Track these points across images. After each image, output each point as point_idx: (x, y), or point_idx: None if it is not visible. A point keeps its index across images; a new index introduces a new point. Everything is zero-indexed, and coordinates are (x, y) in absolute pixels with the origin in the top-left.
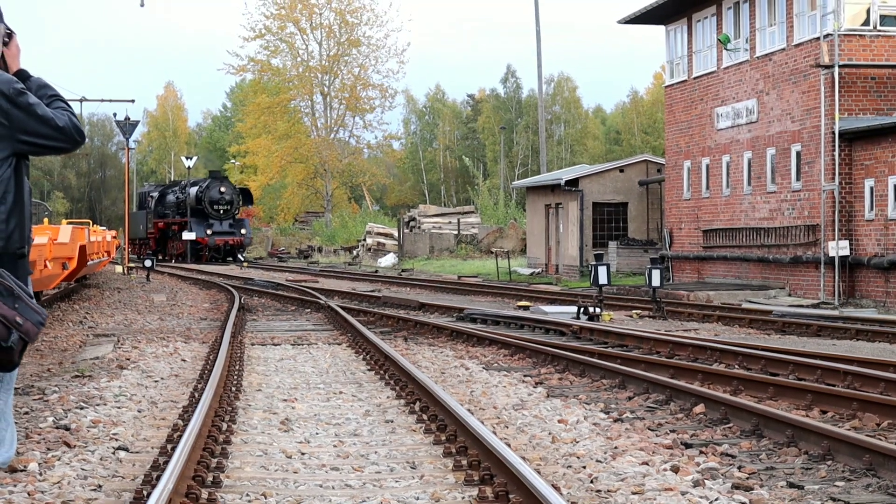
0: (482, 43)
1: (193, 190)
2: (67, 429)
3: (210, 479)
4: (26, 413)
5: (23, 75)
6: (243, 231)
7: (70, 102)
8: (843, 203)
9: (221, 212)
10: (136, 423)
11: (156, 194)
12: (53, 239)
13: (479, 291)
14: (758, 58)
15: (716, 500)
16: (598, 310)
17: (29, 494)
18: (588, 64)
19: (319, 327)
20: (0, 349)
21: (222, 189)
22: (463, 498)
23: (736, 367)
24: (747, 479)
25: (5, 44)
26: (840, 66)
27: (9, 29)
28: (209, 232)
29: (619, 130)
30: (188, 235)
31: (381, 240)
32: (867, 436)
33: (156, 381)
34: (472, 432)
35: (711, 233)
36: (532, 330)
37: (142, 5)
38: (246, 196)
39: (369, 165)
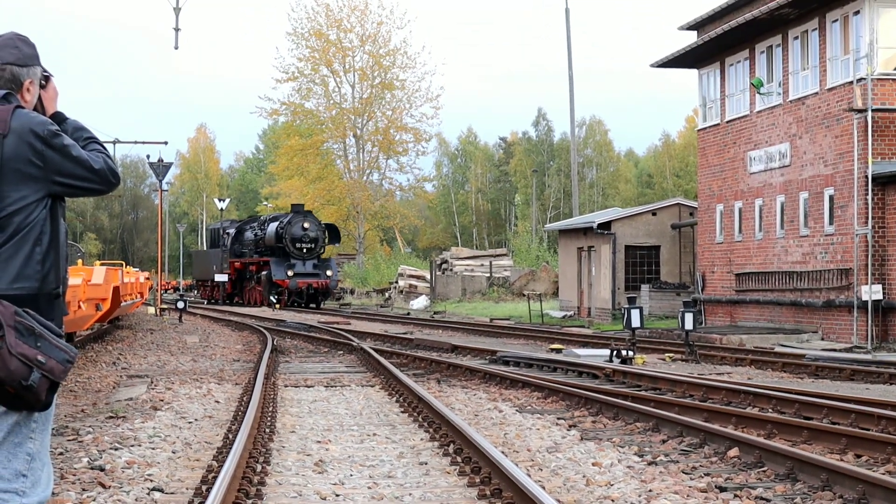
0: (514, 86)
1: (273, 226)
2: (102, 469)
3: None
4: (61, 454)
5: (59, 118)
6: (329, 273)
7: (104, 144)
8: (876, 247)
9: (304, 251)
10: (171, 463)
11: (232, 231)
12: (87, 280)
13: (512, 334)
14: (791, 102)
15: None
16: (630, 353)
17: None
18: (620, 107)
19: (352, 369)
20: (22, 388)
21: (305, 225)
22: None
23: (770, 410)
24: None
25: (42, 86)
26: (873, 111)
27: (46, 71)
28: (290, 273)
29: (651, 174)
30: (220, 277)
31: (413, 282)
32: None
33: (190, 423)
34: (506, 474)
35: (744, 276)
36: (565, 373)
37: (176, 48)
38: (333, 233)
39: (401, 207)
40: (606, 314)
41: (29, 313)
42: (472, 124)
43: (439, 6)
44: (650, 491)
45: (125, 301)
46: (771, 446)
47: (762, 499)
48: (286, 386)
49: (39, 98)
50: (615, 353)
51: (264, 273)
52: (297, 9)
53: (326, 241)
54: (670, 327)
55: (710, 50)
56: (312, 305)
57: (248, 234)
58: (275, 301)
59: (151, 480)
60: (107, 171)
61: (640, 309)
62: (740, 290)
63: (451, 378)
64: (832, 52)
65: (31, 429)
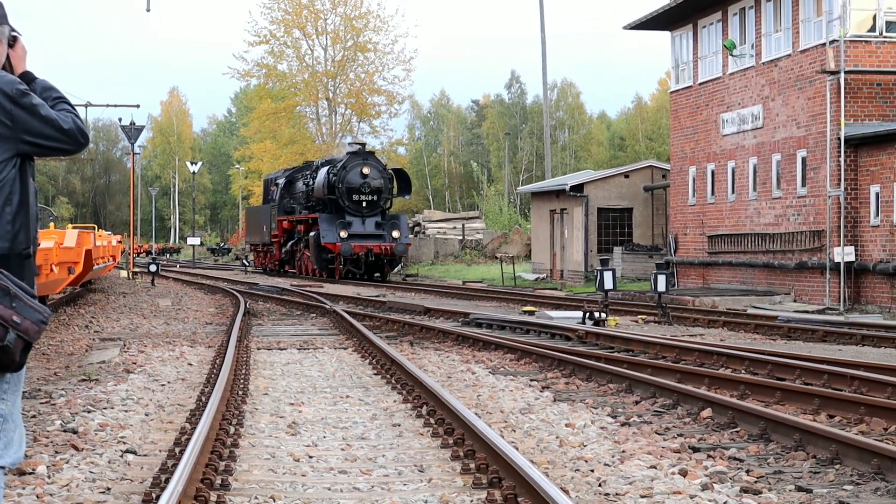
0: (487, 49)
1: (323, 172)
2: (75, 432)
3: (218, 481)
4: (34, 416)
5: (28, 77)
6: (395, 234)
7: (75, 107)
8: (848, 209)
9: (364, 204)
10: (144, 426)
11: (282, 181)
12: (59, 243)
13: (485, 297)
14: (763, 63)
15: (724, 503)
16: (603, 315)
17: (38, 497)
18: (592, 70)
19: (325, 332)
20: None
21: (365, 171)
22: (471, 501)
23: (742, 371)
24: (755, 482)
25: (10, 45)
26: (846, 73)
27: (14, 31)
28: (343, 234)
29: (624, 136)
30: (193, 241)
31: None
32: (875, 440)
33: (162, 385)
34: (479, 436)
35: (716, 238)
36: (538, 335)
37: (147, 10)
38: (402, 181)
39: None
40: (579, 276)
41: (3, 273)
42: (445, 87)
43: None
44: (623, 451)
45: (97, 264)
46: (744, 407)
47: (735, 459)
48: (259, 349)
49: (8, 57)
50: (588, 314)
51: (312, 234)
52: None
53: (395, 191)
54: (643, 289)
55: (682, 12)
56: (377, 275)
57: (299, 185)
58: (247, 264)
59: (124, 443)
60: (76, 131)
61: (613, 271)
62: (713, 252)
63: (423, 340)
64: (805, 14)
65: (3, 390)
